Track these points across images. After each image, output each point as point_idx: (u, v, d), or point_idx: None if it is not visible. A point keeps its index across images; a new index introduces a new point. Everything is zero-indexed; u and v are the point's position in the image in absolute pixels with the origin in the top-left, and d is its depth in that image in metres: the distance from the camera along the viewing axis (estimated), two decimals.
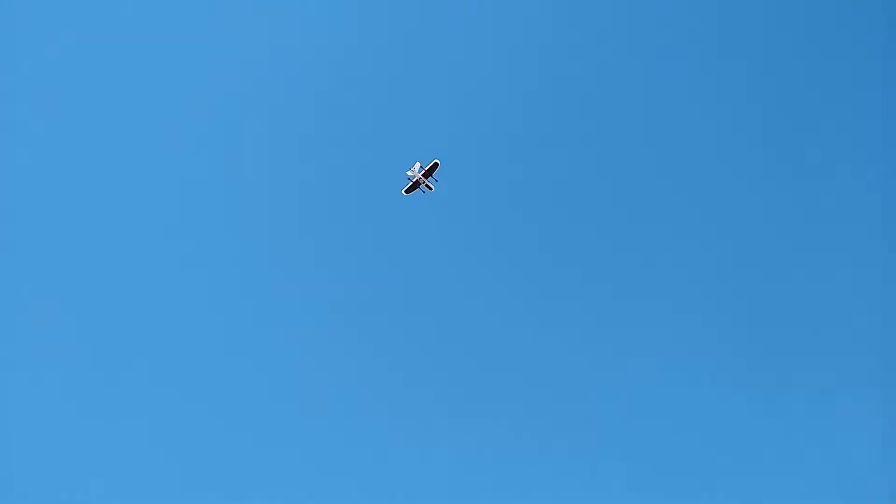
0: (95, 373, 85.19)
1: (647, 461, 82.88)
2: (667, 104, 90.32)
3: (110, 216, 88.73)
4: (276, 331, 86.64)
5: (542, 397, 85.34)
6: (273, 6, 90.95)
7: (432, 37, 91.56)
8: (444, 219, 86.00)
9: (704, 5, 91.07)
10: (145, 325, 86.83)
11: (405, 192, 74.69)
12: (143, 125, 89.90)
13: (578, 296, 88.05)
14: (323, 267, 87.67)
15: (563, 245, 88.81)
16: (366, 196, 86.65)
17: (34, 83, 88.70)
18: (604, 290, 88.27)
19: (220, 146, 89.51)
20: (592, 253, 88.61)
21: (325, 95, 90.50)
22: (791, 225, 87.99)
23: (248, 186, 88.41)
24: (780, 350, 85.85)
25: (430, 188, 74.73)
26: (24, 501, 79.88)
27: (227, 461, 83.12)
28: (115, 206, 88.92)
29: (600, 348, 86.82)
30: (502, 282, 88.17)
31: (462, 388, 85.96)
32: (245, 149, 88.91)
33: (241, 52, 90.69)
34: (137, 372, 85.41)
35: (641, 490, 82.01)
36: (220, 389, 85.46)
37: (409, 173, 74.00)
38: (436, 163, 73.94)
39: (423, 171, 73.91)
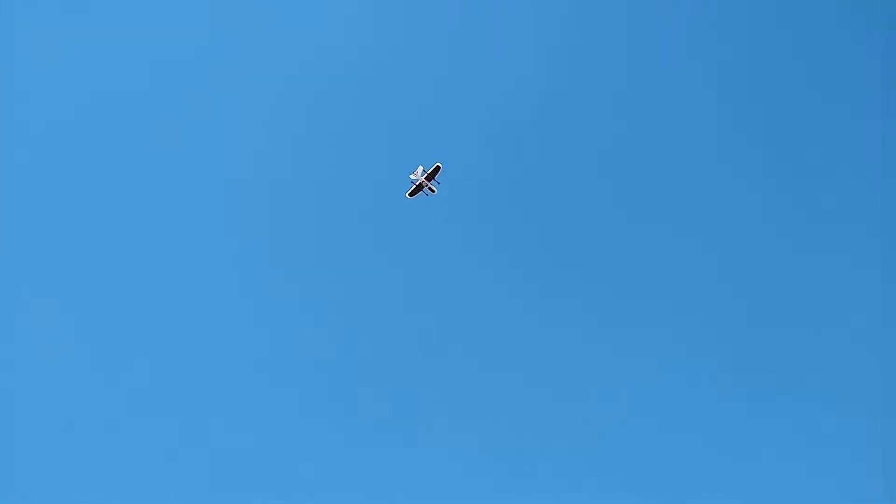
0: (95, 373, 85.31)
1: (646, 462, 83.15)
2: (666, 104, 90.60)
3: (111, 217, 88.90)
4: (285, 331, 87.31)
5: (542, 398, 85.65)
6: (276, 10, 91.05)
7: (433, 42, 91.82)
8: (446, 220, 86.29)
9: (704, 5, 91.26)
10: (146, 326, 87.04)
11: (409, 195, 75.02)
12: (143, 125, 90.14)
13: (578, 295, 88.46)
14: (329, 268, 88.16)
15: (561, 244, 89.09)
16: (370, 199, 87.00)
17: (33, 83, 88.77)
18: (604, 290, 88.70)
19: (224, 150, 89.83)
20: (592, 253, 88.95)
21: (328, 103, 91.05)
22: (791, 225, 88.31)
23: (259, 192, 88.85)
24: (780, 350, 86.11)
25: (433, 191, 75.07)
26: (25, 501, 79.98)
27: (226, 461, 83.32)
28: (116, 206, 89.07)
29: (600, 348, 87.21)
30: (502, 281, 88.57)
31: (462, 388, 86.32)
32: (256, 157, 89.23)
33: (245, 55, 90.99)
34: (137, 372, 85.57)
35: (641, 490, 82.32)
36: (220, 389, 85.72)
37: (412, 177, 74.45)
38: (438, 166, 74.45)
39: (426, 175, 74.34)
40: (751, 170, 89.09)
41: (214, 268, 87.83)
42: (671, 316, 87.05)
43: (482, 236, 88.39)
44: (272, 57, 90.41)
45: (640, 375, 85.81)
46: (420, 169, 74.23)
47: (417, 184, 74.22)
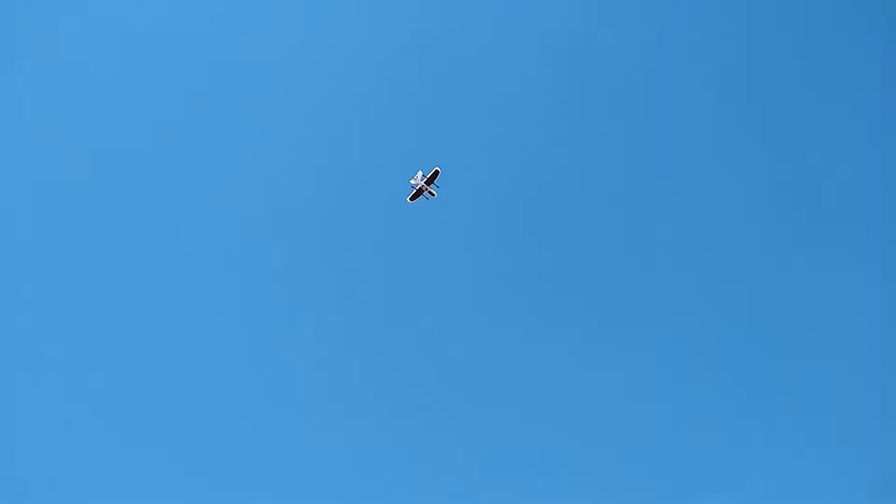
0: (96, 372, 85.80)
1: (645, 463, 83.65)
2: (666, 104, 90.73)
3: (114, 217, 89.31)
4: (288, 331, 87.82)
5: (541, 397, 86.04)
6: (278, 22, 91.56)
7: (431, 48, 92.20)
8: (446, 222, 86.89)
9: (704, 5, 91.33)
10: (147, 326, 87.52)
11: (410, 199, 76.51)
12: (146, 127, 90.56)
13: (576, 296, 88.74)
14: (334, 269, 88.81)
15: (558, 244, 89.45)
16: (373, 204, 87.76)
17: (34, 83, 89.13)
18: (603, 290, 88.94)
19: (225, 151, 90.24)
20: (591, 252, 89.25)
21: (328, 108, 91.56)
22: (791, 225, 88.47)
23: (273, 201, 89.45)
24: (780, 350, 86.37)
25: (433, 194, 76.20)
26: (25, 501, 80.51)
27: (224, 461, 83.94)
28: (119, 206, 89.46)
29: (599, 348, 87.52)
30: (501, 282, 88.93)
31: (461, 389, 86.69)
32: (265, 167, 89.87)
33: (250, 64, 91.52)
34: (138, 371, 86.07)
35: (641, 491, 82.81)
36: (220, 389, 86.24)
37: (412, 182, 75.88)
38: (436, 171, 75.67)
39: (425, 179, 75.78)
40: (751, 170, 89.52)
41: (216, 269, 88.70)
42: (671, 316, 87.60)
43: (480, 237, 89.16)
44: (276, 76, 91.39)
45: (641, 376, 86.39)
46: (419, 174, 75.76)
47: (418, 188, 75.85)
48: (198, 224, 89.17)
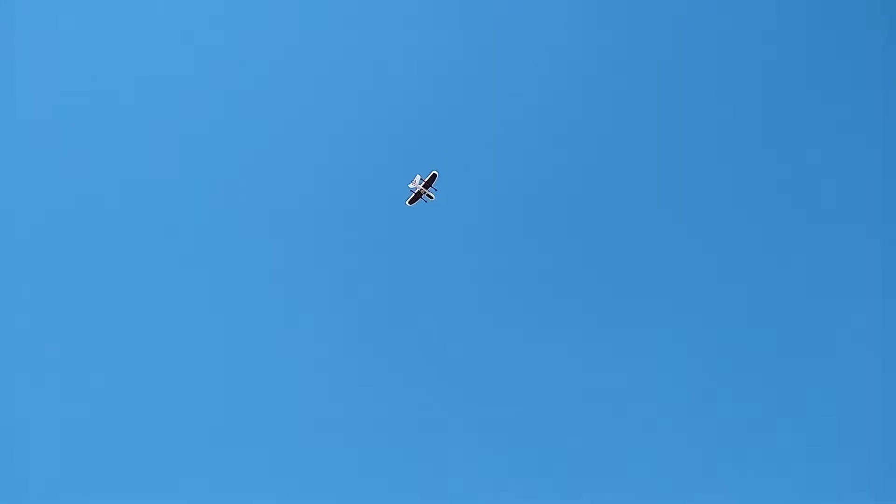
0: (96, 372, 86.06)
1: (645, 463, 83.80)
2: (666, 104, 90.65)
3: (114, 217, 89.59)
4: (292, 331, 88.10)
5: (541, 397, 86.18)
6: (275, 27, 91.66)
7: (428, 51, 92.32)
8: (446, 223, 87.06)
9: (704, 5, 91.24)
10: (148, 326, 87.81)
11: (409, 202, 76.79)
12: (146, 127, 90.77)
13: (576, 296, 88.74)
14: (337, 269, 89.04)
15: (559, 243, 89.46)
16: (373, 208, 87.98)
17: (33, 83, 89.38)
18: (604, 290, 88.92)
19: (227, 153, 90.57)
20: (591, 252, 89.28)
21: (327, 112, 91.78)
22: (791, 225, 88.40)
23: (274, 206, 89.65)
24: (780, 351, 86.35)
25: (431, 197, 76.63)
26: (25, 501, 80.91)
27: (224, 461, 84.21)
28: (119, 206, 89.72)
29: (599, 349, 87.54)
30: (501, 281, 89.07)
31: (461, 389, 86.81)
32: (273, 176, 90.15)
33: (250, 66, 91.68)
34: (137, 371, 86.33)
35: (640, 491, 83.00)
36: (220, 389, 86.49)
37: (410, 185, 76.36)
38: (434, 174, 76.07)
39: (424, 182, 76.20)
40: (750, 170, 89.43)
41: (216, 270, 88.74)
42: (671, 316, 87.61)
43: (482, 236, 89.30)
44: (274, 79, 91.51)
45: (641, 376, 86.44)
46: (417, 178, 76.27)
47: (416, 192, 76.29)
48: (197, 224, 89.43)
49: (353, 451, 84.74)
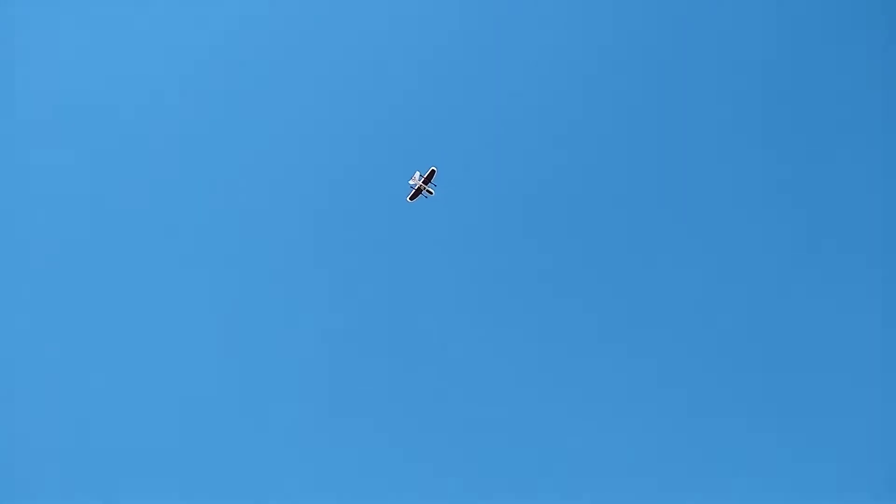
0: (96, 372, 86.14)
1: (645, 463, 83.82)
2: (666, 104, 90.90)
3: (113, 217, 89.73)
4: (293, 331, 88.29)
5: (540, 398, 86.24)
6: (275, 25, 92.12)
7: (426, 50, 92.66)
8: (446, 221, 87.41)
9: (705, 5, 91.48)
10: (147, 326, 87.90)
11: (409, 199, 77.97)
12: (146, 127, 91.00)
13: (576, 296, 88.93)
14: (338, 267, 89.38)
15: (559, 243, 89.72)
16: (375, 205, 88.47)
17: (33, 83, 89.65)
18: (604, 290, 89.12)
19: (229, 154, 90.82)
20: (591, 252, 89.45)
21: (326, 112, 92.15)
22: (791, 225, 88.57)
23: (280, 202, 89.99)
24: (780, 351, 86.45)
25: (431, 193, 77.73)
26: (26, 501, 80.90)
27: (223, 461, 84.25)
28: (118, 206, 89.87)
29: (598, 348, 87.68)
30: (500, 281, 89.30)
31: (461, 389, 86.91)
32: (279, 179, 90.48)
33: (249, 68, 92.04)
34: (137, 371, 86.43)
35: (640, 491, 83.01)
36: (219, 389, 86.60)
37: (410, 182, 77.55)
38: (433, 170, 77.19)
39: (423, 179, 77.33)
40: (750, 170, 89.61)
41: (215, 269, 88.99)
42: (670, 317, 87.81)
43: (481, 236, 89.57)
44: (273, 78, 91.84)
45: (641, 376, 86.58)
46: (417, 174, 77.36)
47: (416, 188, 77.47)
48: (196, 223, 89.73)
49: (352, 451, 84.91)
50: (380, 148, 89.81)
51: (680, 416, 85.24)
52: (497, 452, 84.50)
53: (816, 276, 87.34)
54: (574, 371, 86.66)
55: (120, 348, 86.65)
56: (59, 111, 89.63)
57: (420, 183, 77.26)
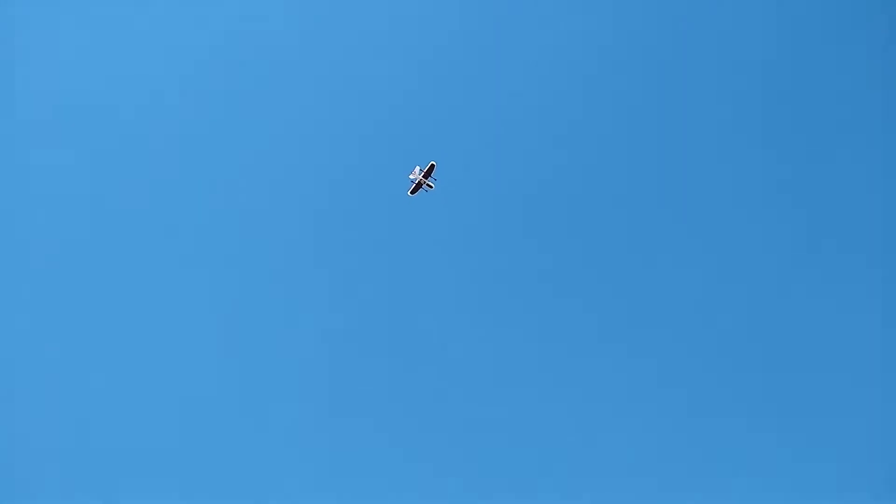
0: (95, 372, 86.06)
1: (646, 463, 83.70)
2: (665, 104, 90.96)
3: (113, 217, 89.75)
4: (293, 330, 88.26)
5: (540, 397, 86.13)
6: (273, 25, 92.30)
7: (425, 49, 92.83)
8: (446, 219, 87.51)
9: (705, 5, 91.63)
10: (147, 325, 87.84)
11: (410, 193, 78.58)
12: (146, 127, 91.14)
13: (576, 296, 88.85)
14: (338, 264, 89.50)
15: (559, 243, 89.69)
16: (375, 205, 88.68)
17: (33, 83, 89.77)
18: (604, 290, 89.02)
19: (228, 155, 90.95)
20: (591, 252, 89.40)
21: (326, 112, 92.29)
22: (790, 225, 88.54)
23: (280, 200, 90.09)
24: (780, 351, 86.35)
25: (431, 186, 78.45)
26: (26, 501, 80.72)
27: (224, 460, 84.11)
28: (119, 206, 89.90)
29: (599, 348, 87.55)
30: (501, 281, 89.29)
31: (461, 389, 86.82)
32: (283, 178, 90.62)
33: (247, 66, 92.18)
34: (137, 371, 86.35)
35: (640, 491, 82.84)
36: (219, 389, 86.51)
37: (410, 177, 78.12)
38: (432, 164, 77.76)
39: (423, 173, 77.79)
40: (750, 170, 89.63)
41: (215, 268, 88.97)
42: (670, 317, 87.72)
43: (481, 236, 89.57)
44: (274, 76, 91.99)
45: (641, 377, 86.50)
46: (417, 169, 77.94)
47: (417, 182, 77.95)
48: (196, 222, 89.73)
49: (352, 451, 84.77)
50: (379, 144, 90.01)
51: (680, 416, 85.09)
52: (497, 452, 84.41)
53: (816, 275, 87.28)
54: (574, 371, 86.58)
55: (120, 348, 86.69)
56: (59, 111, 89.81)
57: (420, 177, 77.84)
